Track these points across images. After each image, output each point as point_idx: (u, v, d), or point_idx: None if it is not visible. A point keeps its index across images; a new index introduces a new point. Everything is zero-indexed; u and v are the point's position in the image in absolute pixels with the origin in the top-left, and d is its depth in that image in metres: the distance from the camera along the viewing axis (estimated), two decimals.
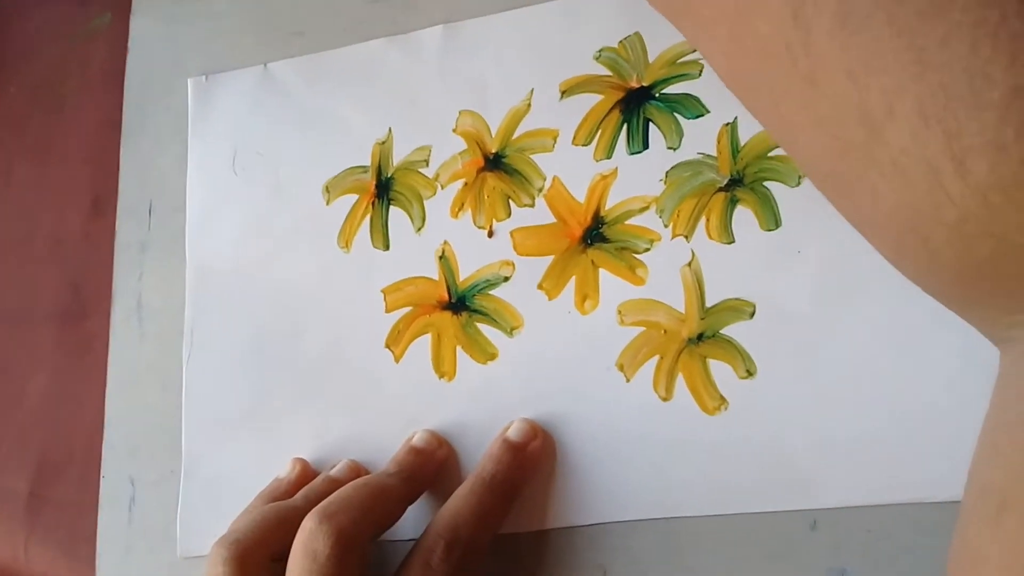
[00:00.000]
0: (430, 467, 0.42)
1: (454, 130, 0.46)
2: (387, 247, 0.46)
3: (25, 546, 0.48)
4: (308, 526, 0.37)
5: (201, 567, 0.44)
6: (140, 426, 0.48)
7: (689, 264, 0.41)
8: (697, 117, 0.42)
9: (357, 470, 0.43)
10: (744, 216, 0.41)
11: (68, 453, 0.49)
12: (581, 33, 0.45)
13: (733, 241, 0.41)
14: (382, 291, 0.45)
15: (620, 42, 0.44)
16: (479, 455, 0.42)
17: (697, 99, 0.42)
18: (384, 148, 0.47)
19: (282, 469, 0.44)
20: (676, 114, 0.43)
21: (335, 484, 0.42)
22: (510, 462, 0.40)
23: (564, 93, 0.45)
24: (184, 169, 0.50)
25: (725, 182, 0.41)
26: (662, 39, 0.44)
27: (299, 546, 0.37)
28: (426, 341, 0.44)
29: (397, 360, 0.44)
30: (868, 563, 0.37)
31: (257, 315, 0.47)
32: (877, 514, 0.38)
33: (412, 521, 0.42)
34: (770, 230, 0.40)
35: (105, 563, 0.46)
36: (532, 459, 0.41)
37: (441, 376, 0.43)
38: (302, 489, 0.42)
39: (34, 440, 0.50)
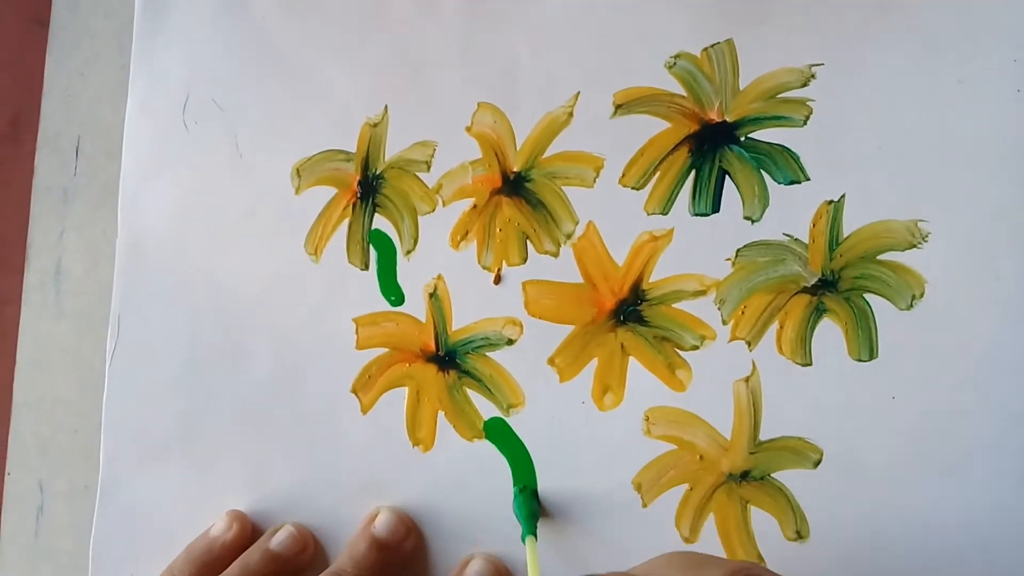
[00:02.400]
0: (395, 565, 0.32)
1: (468, 128, 0.33)
2: (365, 266, 0.34)
3: None
4: None
5: None
6: (52, 423, 0.37)
7: (747, 380, 0.30)
8: (791, 184, 0.30)
9: (303, 541, 0.33)
10: (830, 333, 0.29)
11: None
12: (653, 25, 0.32)
13: (810, 363, 0.29)
14: (354, 320, 0.34)
15: (704, 50, 0.31)
16: (453, 547, 0.33)
17: (795, 157, 0.30)
18: (376, 133, 0.34)
19: (216, 523, 0.34)
20: (764, 172, 0.30)
21: (276, 562, 0.33)
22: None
23: (619, 108, 0.32)
24: (123, 104, 0.37)
25: (813, 281, 0.30)
26: (762, 56, 0.31)
27: None
28: (402, 396, 0.33)
29: (364, 411, 0.34)
30: None
31: (198, 315, 0.36)
32: None
33: None
34: (862, 360, 0.29)
35: None
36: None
37: (416, 444, 0.33)
38: (237, 561, 0.33)
39: None
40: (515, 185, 0.33)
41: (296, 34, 0.35)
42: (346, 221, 0.34)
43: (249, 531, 0.35)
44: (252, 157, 0.35)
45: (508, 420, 0.32)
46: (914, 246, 0.29)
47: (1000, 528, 0.28)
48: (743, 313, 0.30)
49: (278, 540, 0.33)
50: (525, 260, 0.32)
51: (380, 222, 0.34)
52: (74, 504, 0.37)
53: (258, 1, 0.36)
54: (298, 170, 0.35)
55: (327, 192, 0.34)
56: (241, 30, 0.36)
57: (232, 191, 0.36)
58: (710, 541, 0.30)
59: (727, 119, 0.31)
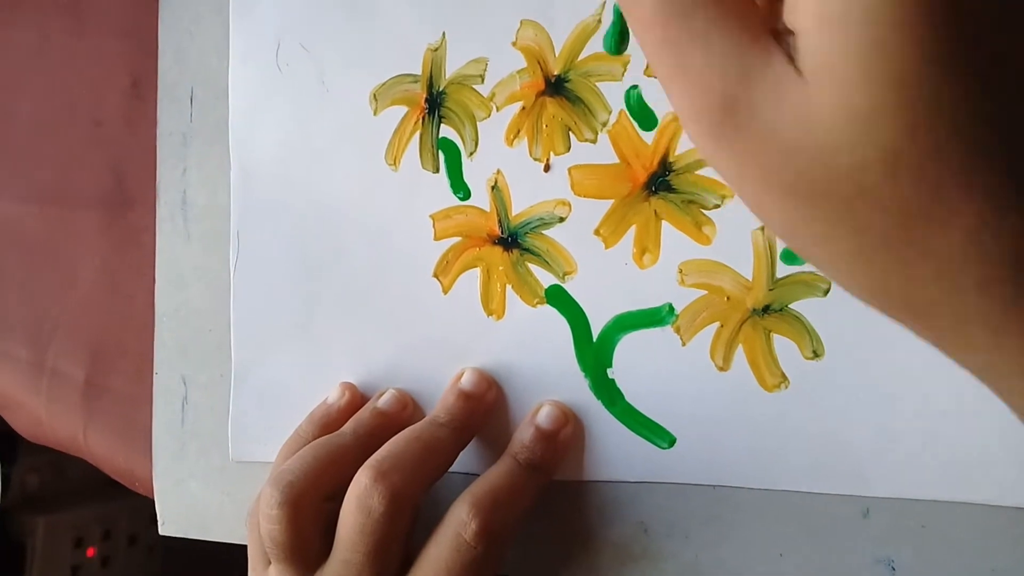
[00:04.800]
0: (480, 412, 0.38)
1: (513, 43, 0.38)
2: (436, 169, 0.39)
3: (84, 432, 0.46)
4: (363, 482, 0.33)
5: (251, 472, 0.42)
6: (189, 327, 0.44)
7: (762, 228, 0.34)
8: None
9: (404, 401, 0.39)
10: None
11: (121, 346, 0.45)
12: None
13: None
14: (431, 217, 0.39)
15: None
16: (526, 397, 0.38)
17: None
18: (437, 56, 0.39)
19: (331, 393, 0.40)
20: None
21: (383, 417, 0.38)
22: (543, 452, 0.36)
23: None
24: (226, 55, 0.43)
25: None
26: None
27: (353, 500, 0.34)
28: (475, 276, 0.39)
29: (445, 292, 0.39)
30: (919, 558, 0.34)
31: (303, 225, 0.41)
32: (934, 509, 0.33)
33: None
34: None
35: (161, 459, 0.44)
36: (563, 446, 0.37)
37: (490, 314, 0.38)
38: (351, 420, 0.38)
39: (88, 328, 0.46)
40: (556, 86, 0.37)
41: None
42: (417, 133, 0.39)
43: (359, 397, 0.40)
44: (336, 89, 0.41)
45: (564, 286, 0.37)
46: None
47: None
48: None
49: (383, 400, 0.39)
50: (569, 149, 0.37)
51: (446, 131, 0.39)
52: (212, 392, 0.43)
53: None
54: (375, 95, 0.40)
55: (400, 111, 0.40)
56: None
57: (321, 119, 0.41)
58: (741, 368, 0.35)
59: None
